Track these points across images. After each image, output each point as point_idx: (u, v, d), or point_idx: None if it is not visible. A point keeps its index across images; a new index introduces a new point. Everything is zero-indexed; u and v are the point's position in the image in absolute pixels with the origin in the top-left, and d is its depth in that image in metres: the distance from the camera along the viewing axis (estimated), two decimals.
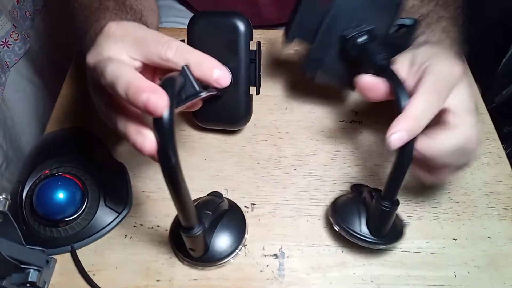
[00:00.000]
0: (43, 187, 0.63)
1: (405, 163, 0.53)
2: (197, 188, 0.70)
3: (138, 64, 0.51)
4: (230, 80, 0.51)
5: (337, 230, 0.62)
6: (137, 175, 0.72)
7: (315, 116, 0.80)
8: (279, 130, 0.77)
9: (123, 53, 0.50)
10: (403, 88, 0.53)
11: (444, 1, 0.74)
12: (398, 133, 0.51)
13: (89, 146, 0.73)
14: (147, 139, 0.46)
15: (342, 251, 0.65)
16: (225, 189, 0.71)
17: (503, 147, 0.76)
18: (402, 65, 0.58)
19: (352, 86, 0.68)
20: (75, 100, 0.82)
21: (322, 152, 0.75)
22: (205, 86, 0.50)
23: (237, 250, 0.63)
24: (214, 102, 0.68)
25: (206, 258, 0.61)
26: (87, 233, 0.65)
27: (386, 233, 0.60)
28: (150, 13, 0.72)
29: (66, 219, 0.63)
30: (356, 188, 0.69)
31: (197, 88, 0.48)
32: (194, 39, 0.65)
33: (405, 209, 0.69)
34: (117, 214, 0.66)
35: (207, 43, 0.64)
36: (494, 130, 0.78)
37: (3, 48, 1.08)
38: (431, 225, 0.67)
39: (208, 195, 0.66)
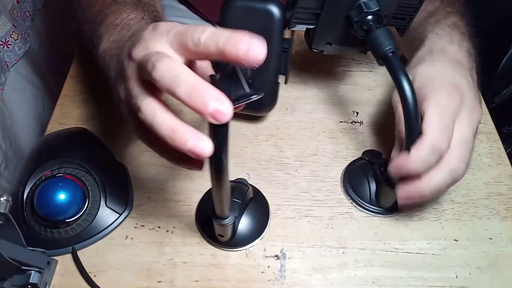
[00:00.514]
0: (44, 188, 0.63)
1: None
2: (198, 189, 0.70)
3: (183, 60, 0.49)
4: (264, 55, 0.47)
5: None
6: (138, 176, 0.71)
7: (315, 116, 0.80)
8: (280, 130, 0.77)
9: (169, 48, 0.48)
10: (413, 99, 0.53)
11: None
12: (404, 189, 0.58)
13: (90, 147, 0.72)
14: (206, 143, 0.45)
15: (343, 252, 0.65)
16: (248, 173, 0.71)
17: (503, 147, 0.76)
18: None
19: (362, 50, 0.69)
20: (75, 100, 0.82)
21: (323, 153, 0.75)
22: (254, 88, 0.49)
23: (263, 234, 0.65)
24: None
25: (232, 242, 0.64)
26: (88, 234, 0.64)
27: (392, 204, 0.65)
28: (161, 11, 0.72)
29: (67, 220, 0.63)
30: (368, 156, 0.72)
31: (247, 91, 0.47)
32: (227, 23, 0.63)
33: (406, 210, 0.68)
34: (118, 215, 0.66)
35: (240, 28, 0.63)
36: (495, 131, 0.78)
37: (3, 48, 1.08)
38: (433, 226, 0.67)
39: (233, 181, 0.67)
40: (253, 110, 0.74)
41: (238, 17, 0.63)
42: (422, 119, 0.56)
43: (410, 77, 0.56)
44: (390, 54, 0.55)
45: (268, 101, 0.72)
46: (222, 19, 0.64)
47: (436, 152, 0.55)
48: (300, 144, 0.76)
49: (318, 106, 0.80)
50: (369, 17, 0.57)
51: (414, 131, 0.55)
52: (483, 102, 0.81)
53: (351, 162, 0.73)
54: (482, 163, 0.74)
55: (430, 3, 0.73)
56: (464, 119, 0.57)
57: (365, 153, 0.72)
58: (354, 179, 0.71)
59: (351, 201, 0.69)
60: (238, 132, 0.77)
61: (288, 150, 0.75)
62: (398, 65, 0.55)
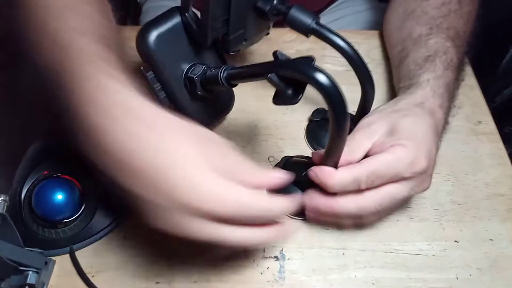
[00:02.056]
0: (42, 188, 0.63)
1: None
2: None
3: None
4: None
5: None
6: None
7: None
8: (280, 130, 0.77)
9: None
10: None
11: (454, 32, 0.73)
12: (312, 194, 0.59)
13: None
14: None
15: (343, 253, 0.64)
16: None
17: (504, 147, 0.76)
18: (380, 127, 0.59)
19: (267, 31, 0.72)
20: None
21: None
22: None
23: None
24: (206, 103, 0.69)
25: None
26: (86, 234, 0.64)
27: None
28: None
29: (65, 221, 0.63)
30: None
31: None
32: (158, 56, 0.63)
33: (407, 211, 0.68)
34: (117, 215, 0.66)
35: (172, 53, 0.64)
36: (496, 131, 0.77)
37: None
38: (433, 227, 0.67)
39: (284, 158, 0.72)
40: (222, 114, 0.76)
41: (164, 45, 0.63)
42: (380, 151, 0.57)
43: (391, 125, 0.59)
44: (315, 25, 0.59)
45: (231, 99, 0.74)
46: (149, 54, 0.64)
47: (356, 184, 0.55)
48: (300, 144, 0.76)
49: (317, 106, 0.80)
50: (275, 1, 0.60)
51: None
52: (484, 102, 0.81)
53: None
54: (483, 163, 0.74)
55: (432, 37, 0.72)
56: (408, 185, 0.57)
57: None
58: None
59: None
60: (237, 132, 0.77)
61: (288, 150, 0.75)
62: (328, 31, 0.59)
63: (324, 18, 1.09)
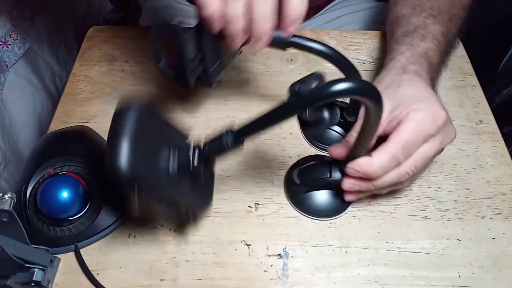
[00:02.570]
0: (47, 186, 0.63)
1: None
2: None
3: None
4: None
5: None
6: None
7: None
8: (283, 129, 0.77)
9: None
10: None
11: (437, 11, 0.75)
12: (352, 182, 0.61)
13: (92, 145, 0.72)
14: None
15: (346, 251, 0.65)
16: None
17: None
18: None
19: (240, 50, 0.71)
20: (77, 99, 0.82)
21: (326, 152, 0.75)
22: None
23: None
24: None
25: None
26: (91, 232, 0.64)
27: None
28: None
29: (70, 218, 0.63)
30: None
31: None
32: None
33: (409, 210, 0.69)
34: (121, 213, 0.66)
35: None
36: (498, 131, 0.78)
37: (2, 48, 1.08)
38: (435, 226, 0.67)
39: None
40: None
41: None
42: (399, 124, 0.58)
43: (393, 103, 0.60)
44: (292, 38, 0.58)
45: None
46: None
47: (395, 161, 0.58)
48: (302, 143, 0.76)
49: None
50: None
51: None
52: (485, 101, 0.82)
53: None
54: (485, 162, 0.74)
55: (414, 16, 0.75)
56: (437, 140, 0.60)
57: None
58: None
59: None
60: None
61: (290, 149, 0.75)
62: (304, 39, 0.59)
63: (322, 18, 1.10)
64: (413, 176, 0.61)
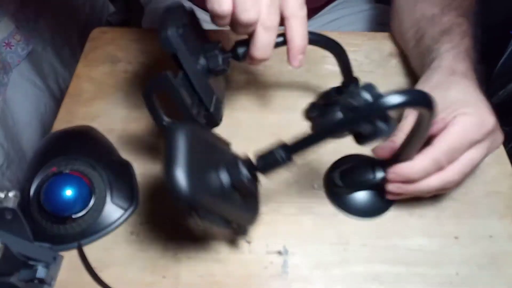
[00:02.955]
0: (51, 185, 0.64)
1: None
2: None
3: None
4: None
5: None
6: (143, 173, 0.72)
7: None
8: (283, 129, 0.78)
9: None
10: None
11: (463, 10, 0.76)
12: (397, 185, 0.61)
13: (96, 144, 0.73)
14: None
15: (344, 249, 0.66)
16: None
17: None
18: None
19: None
20: (81, 99, 0.83)
21: (326, 151, 0.75)
22: None
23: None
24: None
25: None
26: (94, 230, 0.65)
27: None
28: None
29: (73, 216, 0.64)
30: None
31: None
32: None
33: (407, 208, 0.69)
34: (124, 211, 0.67)
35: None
36: None
37: (5, 49, 1.09)
38: (432, 224, 0.68)
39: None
40: None
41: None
42: (444, 127, 0.58)
43: (441, 100, 0.57)
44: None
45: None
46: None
47: (438, 166, 0.57)
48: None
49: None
50: (220, 56, 0.61)
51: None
52: None
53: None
54: (481, 162, 0.74)
55: (444, 15, 0.75)
56: (484, 146, 0.59)
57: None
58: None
59: None
60: (240, 130, 0.78)
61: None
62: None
63: (322, 19, 1.10)
64: (457, 181, 0.60)
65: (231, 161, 0.54)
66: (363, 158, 0.72)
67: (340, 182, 0.68)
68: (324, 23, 1.09)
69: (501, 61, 1.27)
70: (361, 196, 0.69)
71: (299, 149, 0.53)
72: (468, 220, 0.68)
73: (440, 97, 0.58)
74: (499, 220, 0.69)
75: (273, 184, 0.72)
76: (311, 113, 0.78)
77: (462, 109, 0.58)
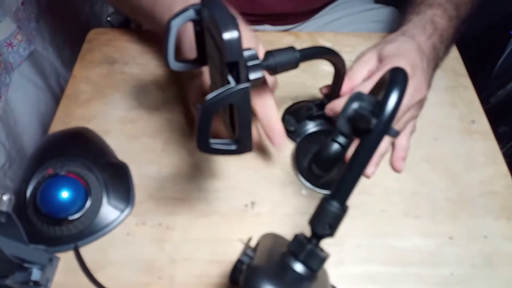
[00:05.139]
0: (47, 186, 0.64)
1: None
2: (198, 186, 0.71)
3: None
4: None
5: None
6: (139, 175, 0.73)
7: None
8: None
9: None
10: None
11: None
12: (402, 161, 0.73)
13: (92, 146, 0.74)
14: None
15: (341, 250, 0.66)
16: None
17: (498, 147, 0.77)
18: (372, 55, 0.74)
19: None
20: (78, 101, 0.83)
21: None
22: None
23: None
24: None
25: None
26: (90, 231, 0.66)
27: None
28: None
29: (70, 218, 0.64)
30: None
31: None
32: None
33: (402, 208, 0.70)
34: (120, 213, 0.67)
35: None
36: (490, 131, 0.79)
37: (7, 49, 1.09)
38: (428, 224, 0.68)
39: None
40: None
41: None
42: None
43: (377, 54, 0.74)
44: (297, 53, 0.57)
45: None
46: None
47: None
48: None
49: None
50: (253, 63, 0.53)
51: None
52: (478, 102, 0.82)
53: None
54: (477, 162, 0.75)
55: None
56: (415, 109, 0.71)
57: None
58: None
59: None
60: None
61: (287, 149, 0.76)
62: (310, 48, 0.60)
63: (321, 20, 1.10)
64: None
65: (290, 244, 0.49)
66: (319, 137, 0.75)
67: (318, 170, 0.68)
68: (324, 23, 1.09)
69: (500, 61, 1.26)
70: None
71: (348, 193, 0.48)
72: (463, 221, 0.69)
73: (380, 48, 0.74)
74: (494, 221, 0.69)
75: (268, 185, 0.72)
76: (288, 126, 0.77)
77: (392, 59, 0.70)
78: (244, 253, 0.47)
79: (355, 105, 0.48)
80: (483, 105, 0.83)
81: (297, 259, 0.46)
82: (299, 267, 0.46)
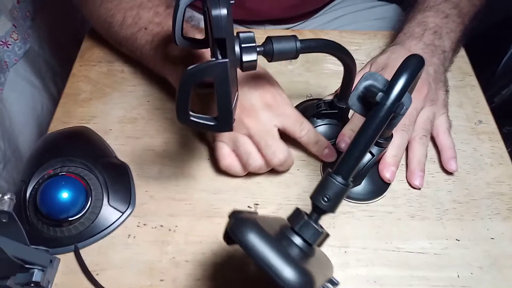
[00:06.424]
0: (47, 187, 0.63)
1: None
2: (200, 187, 0.70)
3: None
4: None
5: None
6: (140, 175, 0.72)
7: None
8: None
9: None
10: None
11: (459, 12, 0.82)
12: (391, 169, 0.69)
13: (92, 146, 0.73)
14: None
15: (345, 252, 0.65)
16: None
17: None
18: (366, 67, 0.78)
19: None
20: (77, 100, 0.82)
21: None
22: None
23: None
24: None
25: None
26: (91, 232, 0.65)
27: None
28: None
29: (70, 219, 0.63)
30: None
31: None
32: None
33: (408, 210, 0.69)
34: (121, 214, 0.67)
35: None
36: (497, 131, 0.78)
37: (2, 48, 1.08)
38: (434, 226, 0.67)
39: None
40: None
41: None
42: None
43: (372, 60, 0.77)
44: (298, 43, 0.57)
45: None
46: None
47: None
48: (302, 145, 0.76)
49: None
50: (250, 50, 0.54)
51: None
52: (485, 101, 0.82)
53: None
54: (484, 163, 0.74)
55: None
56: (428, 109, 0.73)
57: None
58: None
59: None
60: None
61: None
62: (310, 40, 0.59)
63: (323, 18, 1.10)
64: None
65: (293, 224, 0.49)
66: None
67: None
68: (326, 21, 1.09)
69: (504, 60, 1.26)
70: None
71: (352, 168, 0.48)
72: (470, 222, 0.68)
73: (372, 60, 0.78)
74: (501, 222, 0.68)
75: (272, 186, 0.71)
76: None
77: (384, 70, 0.73)
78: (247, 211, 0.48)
79: (367, 83, 0.50)
80: (487, 105, 0.82)
81: (293, 230, 0.47)
82: (295, 238, 0.47)
